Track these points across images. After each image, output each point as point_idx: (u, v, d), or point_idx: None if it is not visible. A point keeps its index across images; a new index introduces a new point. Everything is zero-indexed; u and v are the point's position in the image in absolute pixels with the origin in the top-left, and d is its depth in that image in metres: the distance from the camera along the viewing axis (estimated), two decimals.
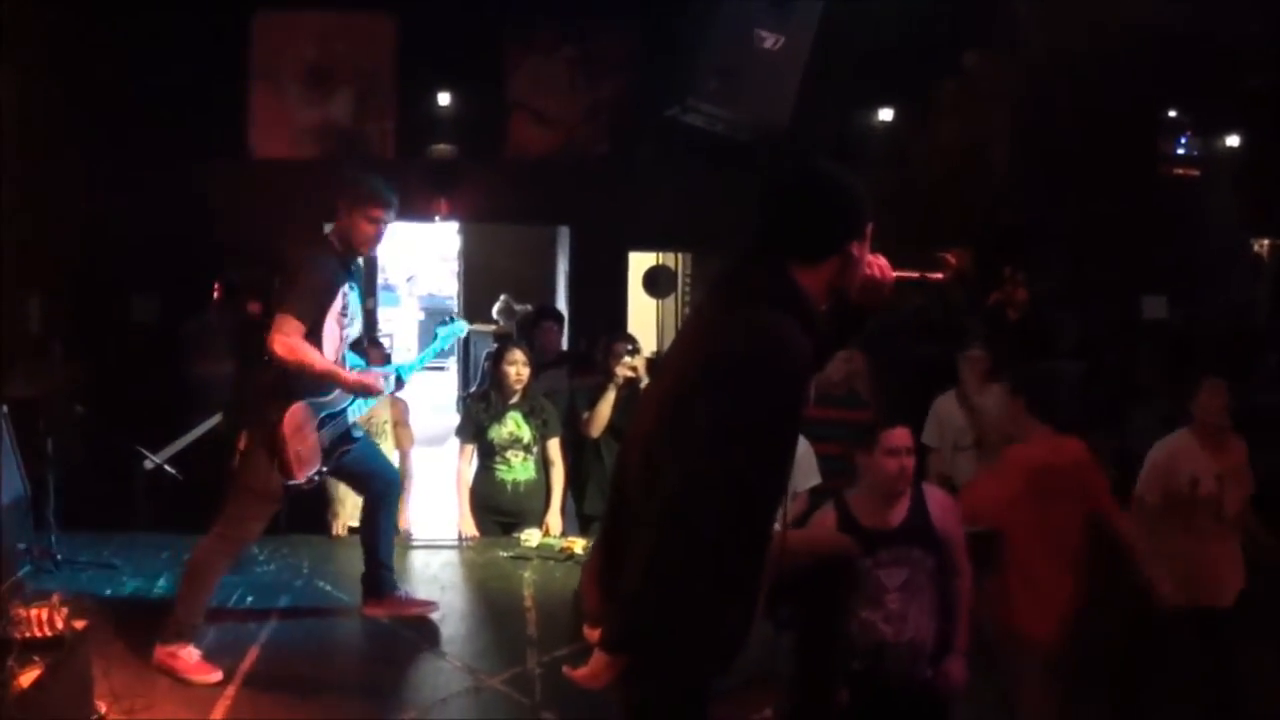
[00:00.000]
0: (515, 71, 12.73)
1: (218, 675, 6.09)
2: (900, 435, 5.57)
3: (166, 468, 8.76)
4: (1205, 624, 6.77)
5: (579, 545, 8.15)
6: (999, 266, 10.97)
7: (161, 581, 7.56)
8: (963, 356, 8.52)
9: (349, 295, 6.58)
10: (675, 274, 14.96)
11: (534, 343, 9.73)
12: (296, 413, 6.36)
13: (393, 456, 8.33)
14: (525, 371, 8.45)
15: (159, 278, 12.00)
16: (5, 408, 8.11)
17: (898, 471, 5.51)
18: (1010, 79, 12.51)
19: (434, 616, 7.07)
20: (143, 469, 8.84)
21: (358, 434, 6.87)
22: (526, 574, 7.93)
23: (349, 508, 8.57)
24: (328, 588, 7.65)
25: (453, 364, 18.44)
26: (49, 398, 9.01)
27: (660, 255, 14.82)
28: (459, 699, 6.04)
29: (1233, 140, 13.50)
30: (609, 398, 8.33)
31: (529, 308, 13.83)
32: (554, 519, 8.58)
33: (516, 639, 6.81)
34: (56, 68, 10.74)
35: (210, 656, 6.24)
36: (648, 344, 11.66)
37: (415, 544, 8.60)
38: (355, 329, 6.74)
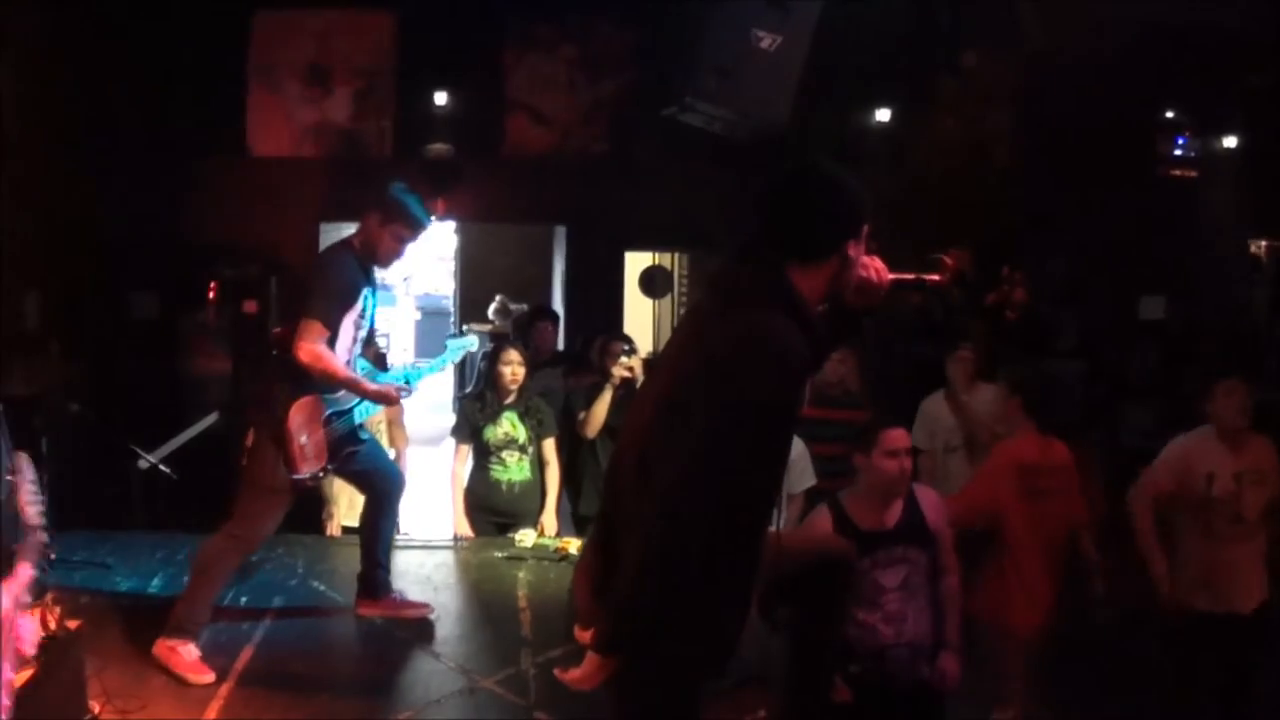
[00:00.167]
0: (513, 71, 12.71)
1: (211, 677, 6.07)
2: (900, 436, 5.59)
3: (162, 467, 8.74)
4: (1221, 630, 6.61)
5: (574, 546, 8.13)
6: (997, 267, 10.98)
7: (156, 581, 7.55)
8: (951, 357, 8.51)
9: (367, 299, 6.60)
10: (672, 274, 14.94)
11: (529, 342, 9.71)
12: (303, 406, 6.38)
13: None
14: (521, 372, 8.44)
15: (156, 276, 11.98)
16: (1, 406, 8.10)
17: (899, 472, 5.53)
18: (1009, 79, 12.51)
19: (428, 617, 7.07)
20: (138, 468, 8.82)
21: (365, 435, 6.88)
22: (521, 574, 7.92)
23: (344, 507, 8.57)
24: (322, 588, 7.63)
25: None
26: (45, 396, 9.01)
27: (657, 255, 14.81)
28: (453, 700, 6.03)
29: (1231, 141, 13.49)
30: (605, 398, 8.32)
31: (525, 307, 13.81)
32: (549, 519, 8.57)
33: (511, 640, 6.80)
34: (54, 66, 10.73)
35: (205, 656, 6.23)
36: (644, 344, 11.66)
37: (410, 544, 8.59)
38: (365, 334, 6.77)
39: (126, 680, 5.96)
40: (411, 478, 8.47)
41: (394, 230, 6.61)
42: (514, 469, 8.47)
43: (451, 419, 10.13)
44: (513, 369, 8.40)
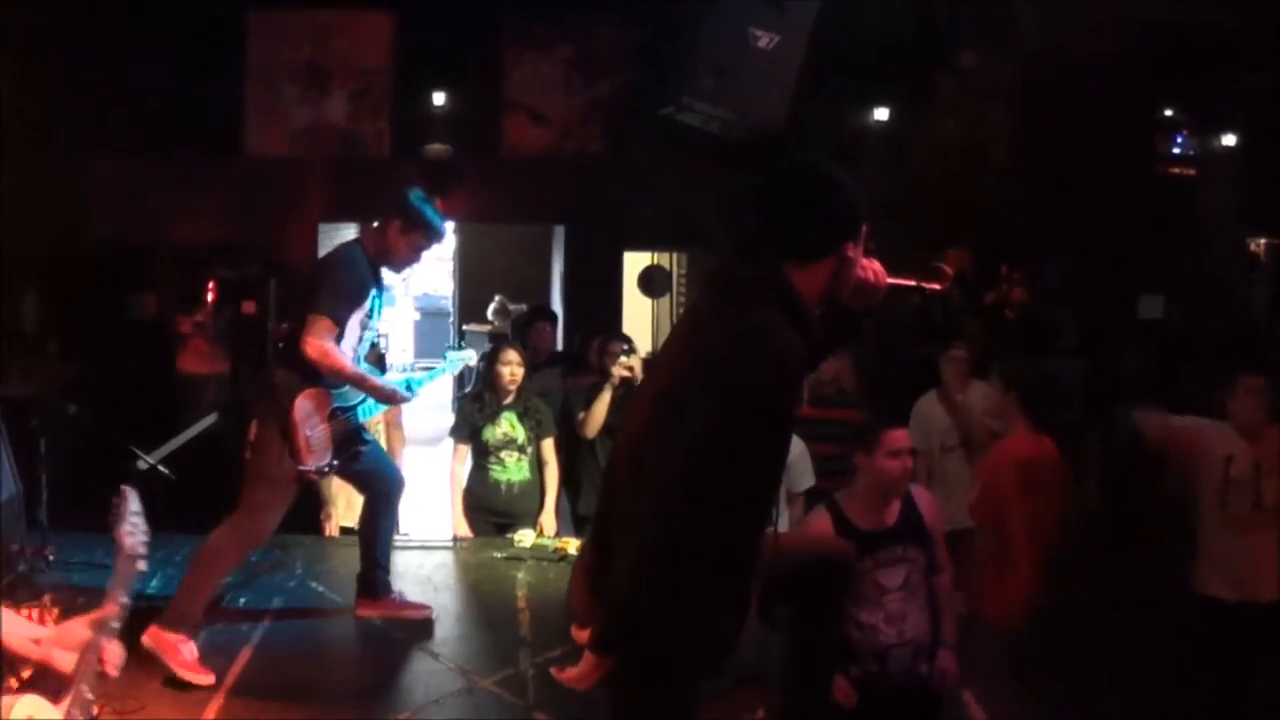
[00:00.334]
0: (511, 71, 12.70)
1: (210, 679, 6.04)
2: (902, 436, 5.60)
3: (160, 468, 8.73)
4: (1237, 619, 6.55)
5: (573, 546, 8.12)
6: (996, 266, 10.98)
7: (154, 581, 7.53)
8: (944, 356, 8.52)
9: (373, 301, 6.62)
10: (670, 274, 14.93)
11: (527, 343, 9.70)
12: (309, 398, 6.40)
13: None
14: (520, 372, 8.44)
15: (154, 277, 11.97)
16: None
17: (902, 472, 5.54)
18: (1007, 78, 12.50)
19: (427, 618, 7.06)
20: (136, 469, 8.80)
21: (369, 437, 6.89)
22: (520, 575, 7.92)
23: (342, 508, 8.57)
24: (321, 589, 7.63)
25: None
26: (43, 397, 9.00)
27: (655, 255, 14.80)
28: (452, 700, 6.03)
29: (1230, 139, 13.49)
30: (605, 398, 8.32)
31: (524, 308, 13.80)
32: (548, 519, 8.57)
33: (510, 640, 6.81)
34: (51, 66, 10.72)
35: (203, 657, 6.22)
36: (643, 344, 11.64)
37: (409, 545, 8.59)
38: (370, 335, 6.78)
39: (125, 681, 5.92)
40: (410, 478, 8.47)
41: (413, 239, 6.71)
42: (513, 469, 8.46)
43: (450, 419, 10.12)
44: (511, 369, 8.40)
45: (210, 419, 9.69)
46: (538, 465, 8.55)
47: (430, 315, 22.54)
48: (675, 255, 15.18)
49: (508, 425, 8.43)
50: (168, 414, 10.40)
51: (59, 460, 8.46)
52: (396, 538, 7.74)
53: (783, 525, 3.80)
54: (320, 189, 12.21)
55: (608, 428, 8.31)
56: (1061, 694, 6.61)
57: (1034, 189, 12.40)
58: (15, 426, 8.26)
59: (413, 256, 6.82)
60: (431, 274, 21.74)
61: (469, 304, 18.99)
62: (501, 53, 12.69)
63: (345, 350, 6.47)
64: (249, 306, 11.93)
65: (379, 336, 8.02)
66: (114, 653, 3.32)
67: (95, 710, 3.24)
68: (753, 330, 3.44)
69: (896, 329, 10.36)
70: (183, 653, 6.11)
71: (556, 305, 13.56)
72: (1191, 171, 13.50)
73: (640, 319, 14.85)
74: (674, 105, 10.71)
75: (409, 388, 7.11)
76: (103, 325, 11.66)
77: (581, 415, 8.47)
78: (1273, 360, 11.50)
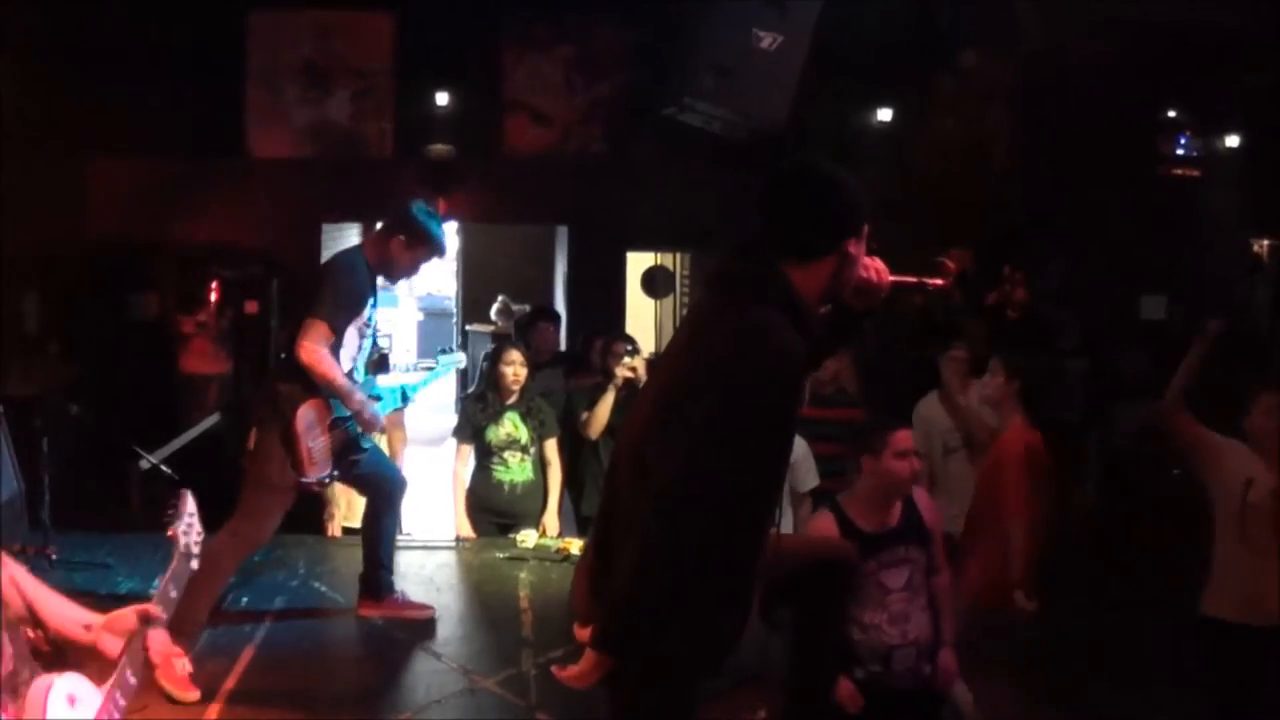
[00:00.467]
0: (513, 71, 12.69)
1: (195, 695, 5.90)
2: (907, 437, 5.61)
3: (163, 468, 8.74)
4: (1248, 642, 6.41)
5: (576, 546, 8.12)
6: (998, 266, 10.97)
7: (156, 582, 7.52)
8: (944, 357, 8.51)
9: (370, 308, 6.64)
10: (673, 274, 14.94)
11: (530, 343, 9.70)
12: (311, 409, 6.40)
13: None
14: (523, 372, 8.44)
15: (156, 277, 11.98)
16: (1, 406, 8.10)
17: (909, 473, 5.55)
18: (1008, 79, 12.50)
19: (430, 618, 7.06)
20: (139, 468, 8.82)
21: (367, 444, 6.90)
22: (523, 575, 7.92)
23: (344, 508, 8.58)
24: (323, 589, 7.64)
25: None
26: (45, 396, 9.01)
27: (658, 255, 14.81)
28: (454, 700, 6.03)
29: (1233, 140, 13.47)
30: (608, 399, 8.33)
31: (527, 308, 13.81)
32: (551, 520, 8.58)
33: (512, 640, 6.81)
34: (53, 66, 10.72)
35: (205, 657, 6.22)
36: (645, 344, 11.65)
37: (411, 545, 8.59)
38: (368, 343, 6.80)
39: None
40: (413, 478, 8.47)
41: (416, 254, 6.78)
42: (516, 469, 8.47)
43: (453, 419, 10.13)
44: (515, 369, 8.41)
45: (213, 419, 9.70)
46: (541, 465, 8.56)
47: (433, 315, 22.53)
48: (678, 255, 15.18)
49: (511, 425, 8.43)
50: (170, 414, 10.41)
51: (61, 460, 8.46)
52: (399, 538, 7.75)
53: (787, 525, 3.80)
54: (323, 189, 12.21)
55: (610, 428, 8.31)
56: (1060, 693, 6.62)
57: (1036, 189, 12.38)
58: (18, 426, 8.27)
59: (413, 269, 6.91)
60: (435, 274, 21.72)
61: (472, 304, 19.00)
62: (502, 53, 12.68)
63: (345, 359, 6.51)
64: (251, 307, 11.94)
65: (383, 337, 8.03)
66: (160, 641, 3.36)
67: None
68: (753, 329, 3.44)
69: (898, 329, 10.37)
70: (174, 666, 6.02)
71: (559, 305, 13.56)
72: (1195, 172, 13.48)
73: (643, 319, 14.87)
74: (676, 105, 10.71)
75: (404, 395, 7.18)
76: (104, 325, 11.66)
77: (585, 416, 8.48)
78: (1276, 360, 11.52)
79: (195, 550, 3.60)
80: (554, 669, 3.69)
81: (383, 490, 7.05)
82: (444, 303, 22.21)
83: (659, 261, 14.75)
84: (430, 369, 7.76)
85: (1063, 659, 6.87)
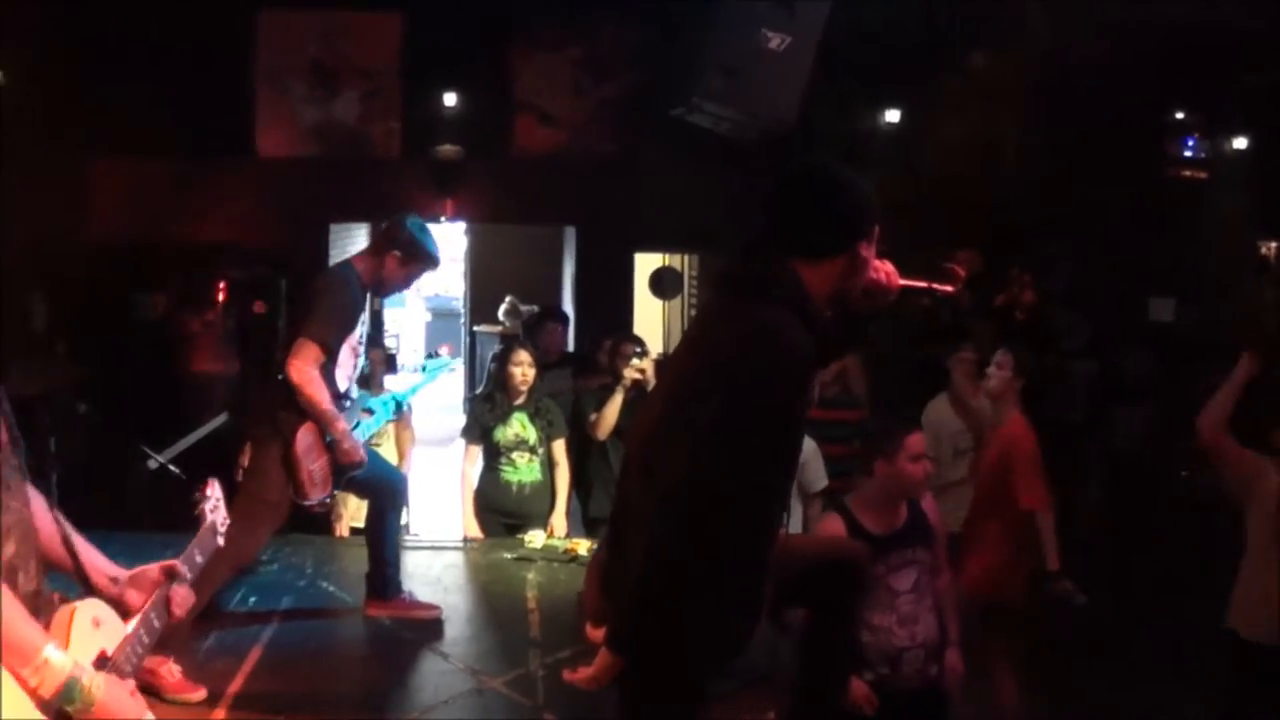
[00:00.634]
0: (520, 71, 12.69)
1: (202, 693, 5.93)
2: (920, 439, 5.61)
3: (171, 467, 8.74)
4: (1272, 661, 6.14)
5: (583, 547, 8.12)
6: (1005, 268, 10.96)
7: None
8: (954, 358, 8.49)
9: (363, 326, 6.67)
10: (681, 275, 14.93)
11: (537, 343, 9.70)
12: (310, 432, 6.41)
13: (393, 457, 8.36)
14: (531, 373, 8.44)
15: (164, 276, 11.98)
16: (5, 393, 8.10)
17: (923, 476, 5.57)
18: (1017, 80, 12.48)
19: (437, 618, 7.06)
20: (146, 468, 8.83)
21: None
22: (530, 576, 7.92)
23: (352, 508, 8.58)
24: (330, 588, 7.64)
25: (459, 365, 18.42)
26: (53, 396, 9.00)
27: (666, 256, 14.80)
28: (461, 700, 6.03)
29: (1241, 142, 13.46)
30: (616, 400, 8.32)
31: (535, 308, 13.80)
32: (559, 520, 8.58)
33: (519, 641, 6.81)
34: (58, 66, 10.72)
35: (212, 657, 6.24)
36: (653, 345, 11.63)
37: (419, 545, 8.60)
38: (361, 360, 6.83)
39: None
40: (421, 478, 8.49)
41: (411, 270, 6.82)
42: (524, 470, 8.47)
43: (461, 420, 10.13)
44: (523, 370, 8.41)
45: (220, 419, 9.70)
46: (549, 466, 8.56)
47: (441, 316, 22.54)
48: (686, 256, 15.17)
49: (519, 426, 8.44)
50: (177, 414, 10.41)
51: (69, 459, 8.46)
52: (406, 538, 7.76)
53: (796, 524, 3.80)
54: (330, 189, 12.21)
55: (619, 429, 8.31)
56: (1062, 692, 6.63)
57: (1044, 191, 12.36)
58: (25, 426, 8.27)
59: (405, 284, 6.98)
60: (442, 275, 21.73)
61: (479, 305, 18.97)
62: (510, 53, 12.67)
63: (341, 379, 6.58)
64: (259, 307, 11.94)
65: (390, 337, 8.07)
66: (183, 595, 3.40)
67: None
68: (762, 329, 3.44)
69: (904, 331, 10.36)
70: (163, 675, 5.99)
71: (567, 306, 13.55)
72: (1202, 174, 13.47)
73: (651, 320, 14.84)
74: (684, 106, 10.69)
75: (399, 405, 7.22)
76: (112, 325, 11.67)
77: (593, 417, 8.47)
78: None
79: (221, 529, 3.64)
80: (565, 672, 3.69)
81: (384, 491, 7.04)
82: (452, 303, 22.23)
83: (666, 262, 14.73)
84: (433, 365, 7.81)
85: (1064, 656, 6.88)
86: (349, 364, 6.63)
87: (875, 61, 11.72)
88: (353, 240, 12.99)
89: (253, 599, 7.33)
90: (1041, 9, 11.85)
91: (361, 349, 6.77)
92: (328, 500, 6.69)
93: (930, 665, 5.58)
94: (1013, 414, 7.04)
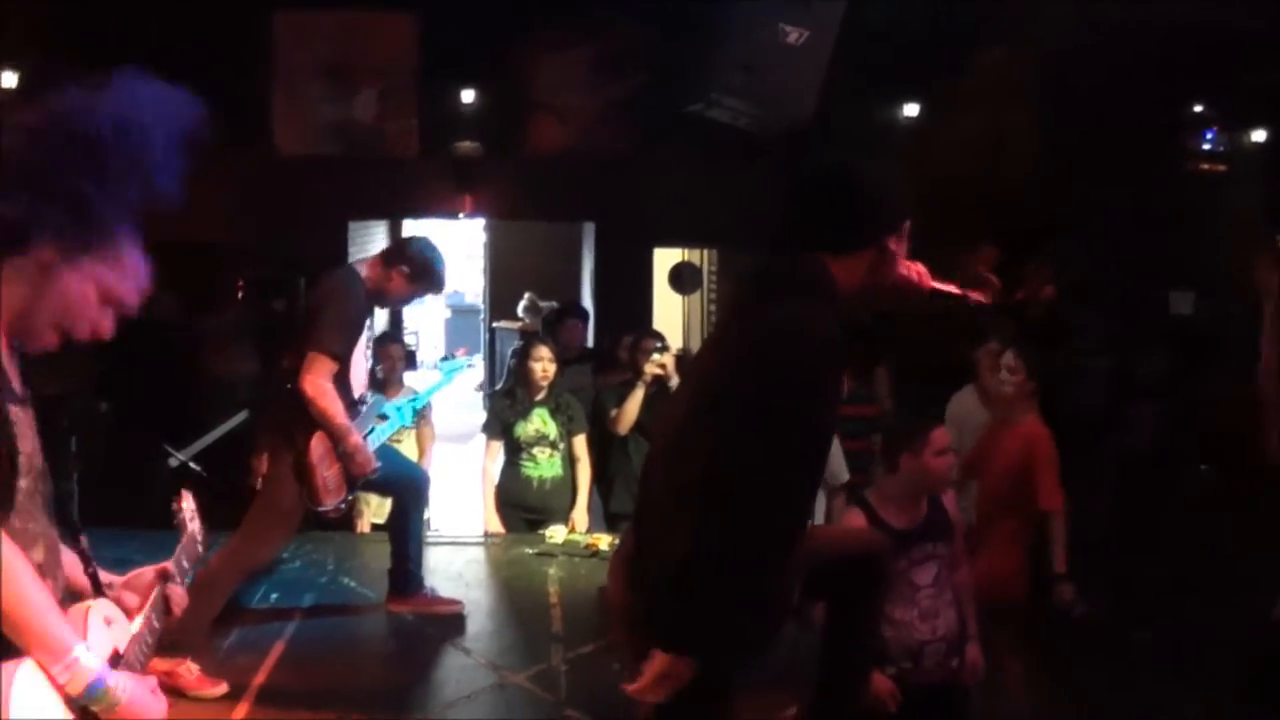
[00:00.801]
0: (538, 67, 12.68)
1: (223, 688, 5.97)
2: (945, 434, 5.59)
3: (192, 465, 8.76)
4: None
5: (604, 542, 8.14)
6: (1022, 264, 10.94)
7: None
8: (982, 350, 8.47)
9: (368, 331, 6.70)
10: (700, 270, 14.93)
11: (558, 340, 9.71)
12: (322, 440, 6.41)
13: (413, 454, 8.38)
14: (551, 368, 8.45)
15: (182, 275, 11.99)
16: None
17: (948, 471, 5.56)
18: (1035, 75, 12.45)
19: (459, 613, 7.08)
20: (167, 466, 8.85)
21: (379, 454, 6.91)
22: (552, 571, 7.94)
23: (374, 504, 8.60)
24: (353, 584, 7.67)
25: (479, 360, 18.43)
26: (73, 394, 9.03)
27: (685, 251, 14.80)
28: (483, 696, 6.04)
29: (1260, 135, 13.41)
30: (637, 395, 8.32)
31: (554, 305, 13.81)
32: (580, 516, 8.58)
33: (541, 636, 6.82)
34: (72, 63, 10.72)
35: (235, 653, 6.26)
36: (673, 341, 11.64)
37: (440, 540, 8.62)
38: (367, 363, 6.87)
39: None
40: (442, 474, 8.51)
41: (416, 288, 6.84)
42: (545, 465, 8.48)
43: (482, 416, 10.15)
44: (543, 365, 8.42)
45: (240, 417, 9.72)
46: (570, 461, 8.57)
47: (460, 312, 22.58)
48: (705, 251, 15.17)
49: (539, 421, 8.45)
50: (196, 412, 10.43)
51: (90, 458, 8.48)
52: (428, 534, 7.76)
53: (819, 517, 3.79)
54: (349, 188, 12.22)
55: (639, 425, 8.31)
56: (1062, 691, 6.63)
57: (1061, 186, 12.33)
58: (46, 424, 8.29)
59: (408, 301, 7.07)
60: (462, 271, 21.75)
61: (499, 301, 19.00)
62: (527, 50, 12.67)
63: (356, 385, 6.62)
64: (278, 305, 11.96)
65: (410, 334, 8.10)
66: (179, 595, 3.44)
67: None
68: (792, 322, 3.42)
69: (924, 327, 10.34)
70: (181, 674, 6.01)
71: (586, 302, 13.55)
72: (1221, 167, 13.42)
73: (670, 315, 14.86)
74: (703, 101, 10.71)
75: (415, 409, 7.25)
76: (132, 323, 11.67)
77: (614, 412, 8.47)
78: None
79: (200, 536, 3.69)
80: (623, 687, 3.65)
81: (407, 489, 7.06)
82: (471, 300, 22.25)
83: (686, 258, 14.74)
84: (452, 363, 7.84)
85: (1077, 655, 6.87)
86: (361, 368, 6.66)
87: (889, 58, 11.69)
88: (372, 238, 13.01)
89: (275, 596, 7.35)
90: (1058, 4, 11.83)
91: (369, 350, 6.80)
92: (342, 506, 6.68)
93: (951, 659, 5.56)
94: (1029, 414, 7.02)
